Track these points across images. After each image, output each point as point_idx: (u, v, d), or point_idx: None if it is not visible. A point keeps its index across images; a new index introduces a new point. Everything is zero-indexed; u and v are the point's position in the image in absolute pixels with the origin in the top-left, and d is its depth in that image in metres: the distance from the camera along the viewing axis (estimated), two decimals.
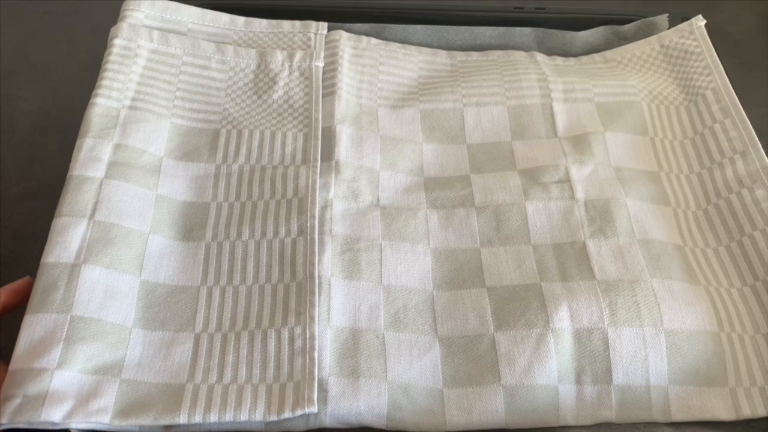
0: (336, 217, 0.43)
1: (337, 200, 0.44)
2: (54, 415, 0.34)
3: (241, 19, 0.52)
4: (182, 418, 0.35)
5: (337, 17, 0.53)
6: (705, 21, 0.53)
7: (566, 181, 0.45)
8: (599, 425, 0.37)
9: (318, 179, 0.44)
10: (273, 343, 0.38)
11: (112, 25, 0.50)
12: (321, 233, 0.42)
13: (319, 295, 0.39)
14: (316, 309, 0.38)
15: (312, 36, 0.52)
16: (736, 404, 0.37)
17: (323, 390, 0.36)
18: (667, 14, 0.55)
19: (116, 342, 0.37)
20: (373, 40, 0.53)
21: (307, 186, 0.44)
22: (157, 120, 0.46)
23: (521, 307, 0.39)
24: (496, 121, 0.49)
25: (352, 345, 0.38)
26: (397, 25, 0.54)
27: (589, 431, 0.37)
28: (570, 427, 0.37)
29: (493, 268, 0.41)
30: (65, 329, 0.36)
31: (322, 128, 0.47)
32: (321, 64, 0.50)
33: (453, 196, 0.45)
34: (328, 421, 0.36)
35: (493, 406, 0.37)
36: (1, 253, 0.42)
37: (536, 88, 0.50)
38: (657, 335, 0.38)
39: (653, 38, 0.53)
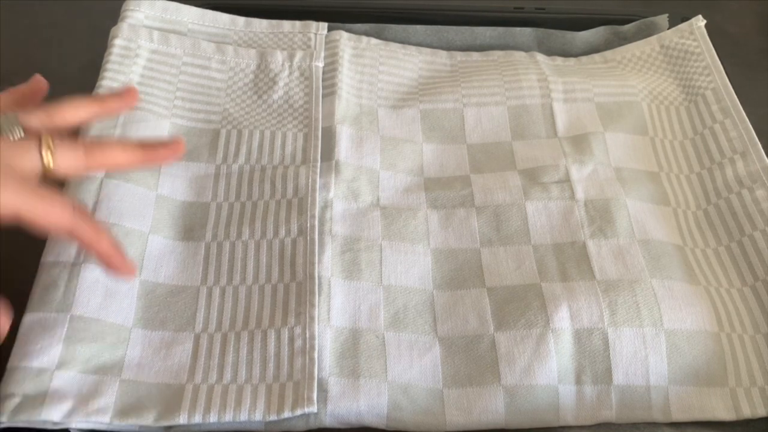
0: (336, 217, 0.43)
1: (337, 200, 0.43)
2: (54, 414, 0.34)
3: (241, 20, 0.52)
4: (182, 418, 0.35)
5: (337, 17, 0.53)
6: (705, 21, 0.53)
7: (566, 181, 0.45)
8: (599, 425, 0.37)
9: (318, 179, 0.44)
10: (273, 343, 0.38)
11: (112, 25, 0.50)
12: (321, 233, 0.42)
13: (319, 295, 0.39)
14: (316, 309, 0.38)
15: (312, 36, 0.52)
16: (736, 404, 0.37)
17: (323, 390, 0.36)
18: (667, 14, 0.55)
19: (116, 342, 0.37)
20: (373, 40, 0.53)
21: (307, 186, 0.44)
22: (157, 120, 0.46)
23: (521, 307, 0.39)
24: (496, 121, 0.49)
25: (352, 345, 0.38)
26: (397, 25, 0.54)
27: (589, 431, 0.37)
28: (570, 427, 0.37)
29: (493, 268, 0.41)
30: (65, 329, 0.36)
31: (322, 128, 0.47)
32: (321, 64, 0.50)
33: (453, 196, 0.45)
34: (328, 421, 0.36)
35: (493, 406, 0.37)
36: (1, 253, 0.42)
37: (536, 89, 0.50)
38: (657, 335, 0.38)
39: (653, 38, 0.53)
